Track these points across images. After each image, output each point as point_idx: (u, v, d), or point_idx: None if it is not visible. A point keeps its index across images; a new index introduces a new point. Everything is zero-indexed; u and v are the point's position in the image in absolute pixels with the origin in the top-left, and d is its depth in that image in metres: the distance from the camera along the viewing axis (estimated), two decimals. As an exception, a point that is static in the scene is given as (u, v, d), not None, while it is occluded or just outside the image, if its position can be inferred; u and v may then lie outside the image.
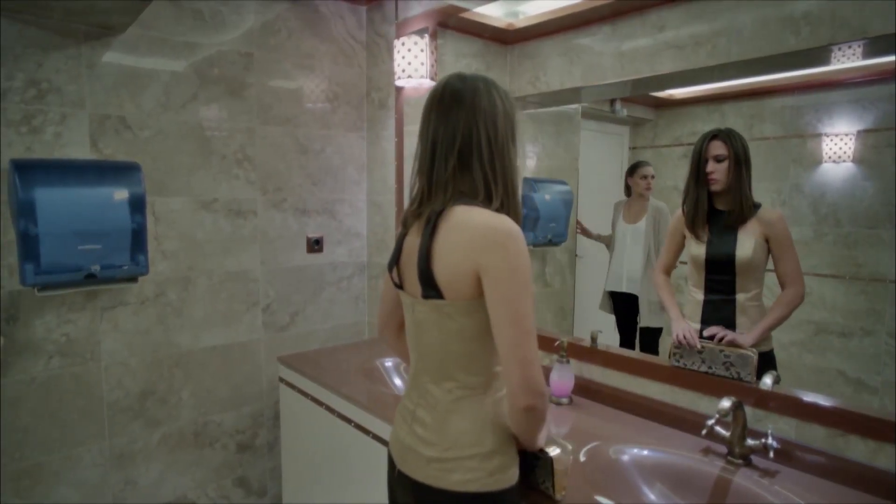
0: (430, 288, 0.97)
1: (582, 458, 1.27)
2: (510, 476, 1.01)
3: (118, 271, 1.73)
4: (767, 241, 1.38)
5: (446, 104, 0.99)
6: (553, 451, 1.06)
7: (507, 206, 0.99)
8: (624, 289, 1.92)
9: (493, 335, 0.95)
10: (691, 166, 1.47)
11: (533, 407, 0.93)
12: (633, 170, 1.82)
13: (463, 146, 0.97)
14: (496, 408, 1.02)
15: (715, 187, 1.43)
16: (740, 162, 1.40)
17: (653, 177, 1.81)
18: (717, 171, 1.42)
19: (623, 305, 1.91)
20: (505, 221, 0.94)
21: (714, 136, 1.43)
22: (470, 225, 0.94)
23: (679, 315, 1.54)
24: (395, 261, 1.09)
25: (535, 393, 0.92)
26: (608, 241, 1.96)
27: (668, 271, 1.63)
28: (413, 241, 1.04)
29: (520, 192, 1.03)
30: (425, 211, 1.01)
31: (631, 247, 1.91)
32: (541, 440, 1.05)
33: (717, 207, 1.46)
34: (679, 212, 1.54)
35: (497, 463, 0.99)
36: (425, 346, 1.04)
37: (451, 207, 0.96)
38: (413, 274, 1.02)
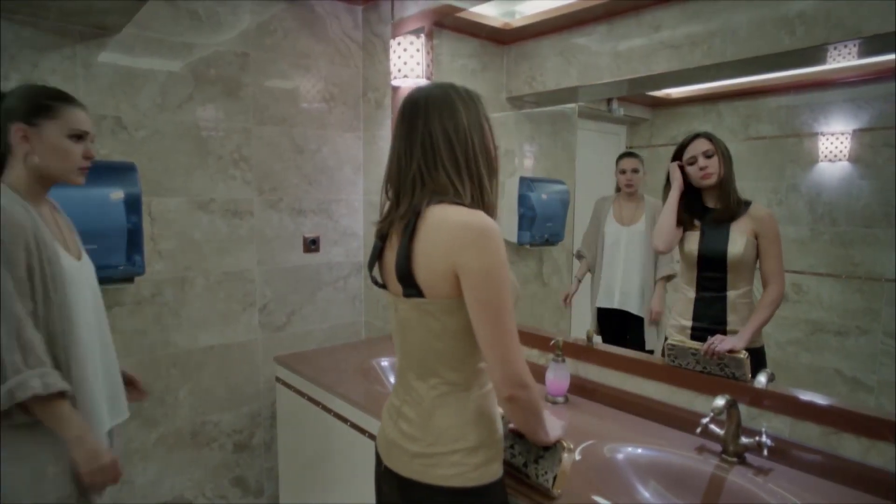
0: (411, 287, 0.99)
1: (578, 457, 1.27)
2: (494, 470, 1.03)
3: (114, 271, 1.73)
4: (757, 238, 1.39)
5: (407, 116, 1.01)
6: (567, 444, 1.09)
7: (477, 200, 0.99)
8: (615, 304, 1.72)
9: (475, 333, 0.96)
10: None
11: (515, 397, 0.96)
12: (616, 162, 1.72)
13: (424, 147, 0.98)
14: (480, 403, 1.03)
15: (710, 181, 1.44)
16: (727, 156, 1.43)
17: (634, 171, 1.69)
18: (711, 165, 1.43)
19: (611, 324, 1.73)
20: (480, 219, 0.94)
21: (695, 136, 1.45)
22: (446, 224, 0.94)
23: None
24: (376, 260, 1.11)
25: (517, 385, 0.95)
26: (590, 258, 1.72)
27: None
28: (391, 247, 1.05)
29: (492, 185, 1.03)
30: (398, 223, 1.01)
31: (626, 253, 1.70)
32: (549, 433, 1.07)
33: (707, 205, 1.47)
34: None
35: (481, 458, 1.01)
36: (409, 344, 1.05)
37: (429, 207, 0.97)
38: (394, 273, 1.03)
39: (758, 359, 1.37)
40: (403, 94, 2.18)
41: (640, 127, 1.77)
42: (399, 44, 2.03)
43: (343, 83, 2.40)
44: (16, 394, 1.05)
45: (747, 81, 1.49)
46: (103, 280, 1.72)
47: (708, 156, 1.43)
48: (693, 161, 1.45)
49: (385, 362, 2.04)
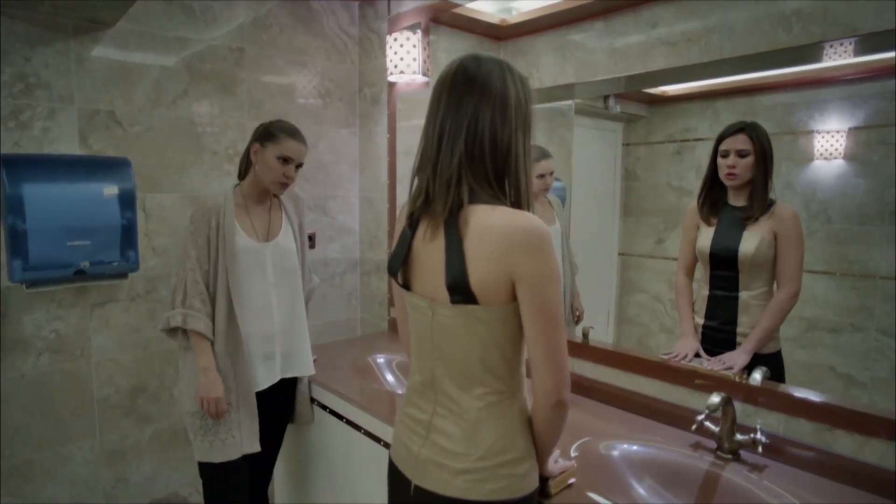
0: (462, 294, 0.92)
1: (573, 454, 1.27)
2: (536, 477, 0.99)
3: (108, 267, 1.72)
4: (776, 238, 1.35)
5: (458, 89, 0.93)
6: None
7: (518, 200, 0.95)
8: None
9: (527, 339, 0.93)
10: (710, 159, 1.43)
11: (563, 402, 0.93)
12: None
13: (469, 136, 0.91)
14: (523, 410, 0.99)
15: (733, 182, 1.39)
16: (766, 159, 1.35)
17: (552, 173, 1.66)
18: (739, 167, 1.36)
19: None
20: (533, 222, 0.89)
21: (739, 129, 1.37)
22: (498, 227, 0.89)
23: (690, 330, 1.48)
24: (402, 262, 1.01)
25: (566, 388, 0.93)
26: None
27: (689, 272, 1.53)
28: (425, 243, 0.97)
29: (529, 185, 0.97)
30: (436, 209, 0.93)
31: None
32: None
33: (729, 202, 1.43)
34: (693, 204, 1.50)
35: (527, 466, 0.97)
36: (448, 353, 0.98)
37: (470, 206, 0.91)
38: (430, 277, 0.97)
39: (774, 363, 1.35)
40: (400, 90, 2.20)
41: (638, 124, 1.77)
42: (395, 40, 2.03)
43: (339, 79, 2.39)
44: (169, 321, 1.51)
45: (744, 79, 1.48)
46: (97, 276, 1.73)
47: (742, 155, 1.36)
48: (726, 154, 1.38)
49: (381, 359, 2.04)
